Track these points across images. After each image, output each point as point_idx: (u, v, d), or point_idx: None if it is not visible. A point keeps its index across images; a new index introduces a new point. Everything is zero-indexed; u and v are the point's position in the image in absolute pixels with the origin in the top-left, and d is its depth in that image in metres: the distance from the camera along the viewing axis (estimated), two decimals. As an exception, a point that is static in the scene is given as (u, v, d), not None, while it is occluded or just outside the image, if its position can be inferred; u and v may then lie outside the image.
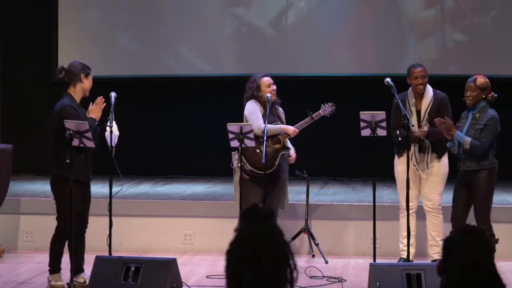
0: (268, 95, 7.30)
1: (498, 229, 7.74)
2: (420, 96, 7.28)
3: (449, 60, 10.49)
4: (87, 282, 6.75)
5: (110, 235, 6.84)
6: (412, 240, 7.11)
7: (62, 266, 6.94)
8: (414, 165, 7.18)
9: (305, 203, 8.17)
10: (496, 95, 7.00)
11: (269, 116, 7.26)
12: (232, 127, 6.96)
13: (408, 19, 10.56)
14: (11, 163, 8.26)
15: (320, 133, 9.64)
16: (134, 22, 11.03)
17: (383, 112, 6.84)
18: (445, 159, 7.33)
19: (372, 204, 6.85)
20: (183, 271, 6.97)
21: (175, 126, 11.12)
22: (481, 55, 10.39)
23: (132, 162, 10.34)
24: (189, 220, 8.48)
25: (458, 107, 7.30)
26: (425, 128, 7.11)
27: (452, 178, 7.36)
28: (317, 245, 8.02)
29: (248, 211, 2.77)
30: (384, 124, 6.76)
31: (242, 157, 7.23)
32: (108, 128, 6.73)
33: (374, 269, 6.33)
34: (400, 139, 6.93)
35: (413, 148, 7.19)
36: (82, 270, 6.89)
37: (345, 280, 7.14)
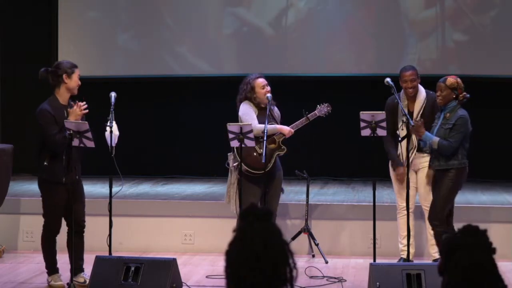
0: (268, 95, 7.30)
1: (498, 229, 7.76)
2: (412, 97, 7.30)
3: (449, 60, 10.48)
4: (87, 282, 6.76)
5: (110, 235, 6.84)
6: (411, 240, 7.12)
7: (62, 266, 6.95)
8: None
9: (305, 203, 8.16)
10: (468, 95, 6.99)
11: (264, 117, 7.25)
12: (232, 127, 6.96)
13: (408, 19, 10.56)
14: (11, 163, 8.26)
15: (320, 133, 9.65)
16: (134, 22, 11.03)
17: (383, 112, 6.84)
18: None
19: (372, 204, 6.85)
20: (183, 271, 6.97)
21: (175, 126, 11.11)
22: (481, 55, 10.38)
23: (132, 162, 10.35)
24: (189, 220, 8.48)
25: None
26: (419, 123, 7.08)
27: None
28: (317, 245, 8.02)
29: (246, 211, 2.77)
30: (384, 124, 6.76)
31: (238, 157, 7.24)
32: (108, 128, 6.74)
33: (374, 269, 6.33)
34: (400, 139, 6.93)
35: (404, 147, 7.20)
36: (82, 270, 6.90)
37: (345, 280, 7.14)
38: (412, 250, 7.14)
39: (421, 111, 7.26)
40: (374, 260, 6.77)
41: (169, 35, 10.92)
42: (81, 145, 6.57)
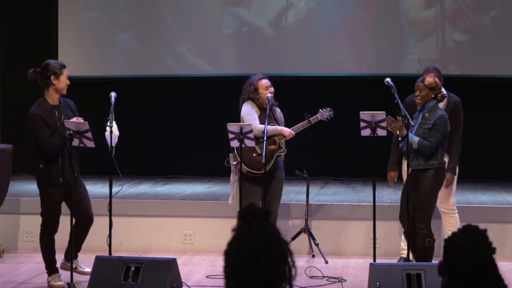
0: (269, 95, 7.30)
1: (498, 229, 7.76)
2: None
3: (449, 60, 10.48)
4: (78, 269, 6.95)
5: (110, 235, 6.84)
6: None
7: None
8: None
9: (305, 203, 8.16)
10: (445, 94, 6.99)
11: (267, 118, 7.25)
12: (232, 127, 6.96)
13: (408, 19, 10.55)
14: (11, 163, 8.26)
15: (320, 133, 9.64)
16: (134, 22, 11.03)
17: (383, 112, 6.84)
18: None
19: (372, 204, 6.85)
20: (183, 271, 6.97)
21: (175, 126, 11.11)
22: (481, 55, 10.38)
23: (132, 162, 10.34)
24: (189, 220, 8.48)
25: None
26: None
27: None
28: (317, 245, 8.02)
29: (244, 211, 2.77)
30: (384, 124, 6.76)
31: (237, 156, 7.24)
32: (108, 128, 6.73)
33: (374, 269, 6.33)
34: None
35: None
36: (76, 257, 6.99)
37: (345, 280, 7.14)
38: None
39: None
40: (374, 260, 6.76)
41: (169, 35, 10.91)
42: (81, 145, 6.57)
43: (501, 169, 10.23)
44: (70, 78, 6.91)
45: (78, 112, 6.97)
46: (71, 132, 6.51)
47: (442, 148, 6.94)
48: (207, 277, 7.28)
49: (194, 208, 8.55)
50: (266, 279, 2.66)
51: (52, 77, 6.76)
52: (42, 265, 7.07)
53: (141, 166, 10.87)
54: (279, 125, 7.46)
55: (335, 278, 7.20)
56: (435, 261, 6.89)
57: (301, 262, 7.69)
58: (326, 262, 7.86)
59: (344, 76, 10.73)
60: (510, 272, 7.16)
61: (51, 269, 6.94)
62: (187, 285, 6.82)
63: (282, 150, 7.42)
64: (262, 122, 7.26)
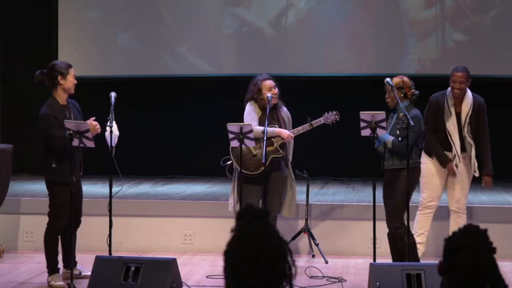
0: (268, 95, 7.27)
1: (498, 229, 7.75)
2: (458, 99, 7.25)
3: (449, 60, 10.46)
4: (82, 274, 6.94)
5: (110, 235, 6.84)
6: (424, 239, 7.16)
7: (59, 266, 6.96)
8: (456, 165, 7.20)
9: (305, 203, 8.16)
10: (417, 92, 7.00)
11: (270, 118, 7.24)
12: (232, 127, 6.96)
13: (408, 19, 10.55)
14: (11, 163, 8.26)
15: (320, 133, 9.63)
16: (134, 22, 11.03)
17: (383, 112, 6.84)
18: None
19: (372, 204, 6.85)
20: (183, 271, 6.97)
21: (175, 126, 11.11)
22: (481, 55, 10.38)
23: (132, 162, 10.34)
24: (189, 220, 8.48)
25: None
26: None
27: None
28: (317, 245, 8.02)
29: (243, 211, 2.77)
30: (384, 124, 6.76)
31: (231, 157, 7.25)
32: (108, 128, 6.74)
33: (374, 269, 6.33)
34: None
35: (455, 148, 7.20)
36: (76, 263, 7.01)
37: (345, 280, 7.14)
38: (422, 249, 7.18)
39: (470, 113, 7.22)
40: (374, 260, 6.76)
41: (169, 35, 10.91)
42: (81, 145, 6.58)
43: (501, 169, 10.21)
44: (70, 78, 6.93)
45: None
46: (71, 132, 6.52)
47: (417, 147, 6.96)
48: (207, 277, 7.28)
49: (194, 208, 8.55)
50: (266, 279, 2.66)
51: (59, 78, 6.82)
52: (42, 265, 7.07)
53: (141, 166, 10.87)
54: (282, 126, 7.42)
55: (335, 278, 7.20)
56: (435, 261, 6.89)
57: (301, 262, 7.69)
58: (326, 262, 7.86)
59: (344, 76, 10.73)
60: (510, 272, 7.16)
61: (52, 269, 6.95)
62: (187, 285, 6.82)
63: (279, 152, 7.36)
64: (263, 122, 7.24)
